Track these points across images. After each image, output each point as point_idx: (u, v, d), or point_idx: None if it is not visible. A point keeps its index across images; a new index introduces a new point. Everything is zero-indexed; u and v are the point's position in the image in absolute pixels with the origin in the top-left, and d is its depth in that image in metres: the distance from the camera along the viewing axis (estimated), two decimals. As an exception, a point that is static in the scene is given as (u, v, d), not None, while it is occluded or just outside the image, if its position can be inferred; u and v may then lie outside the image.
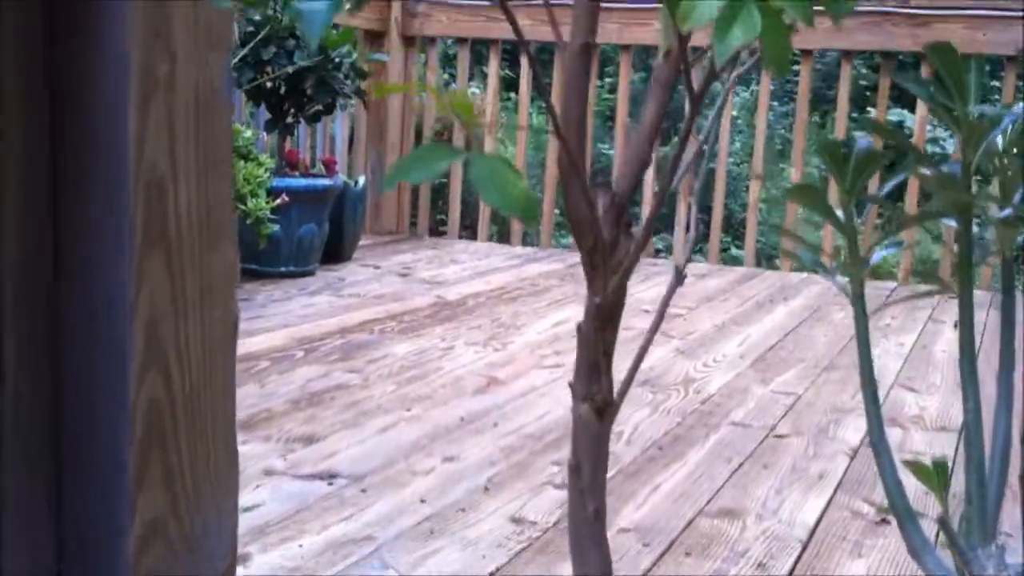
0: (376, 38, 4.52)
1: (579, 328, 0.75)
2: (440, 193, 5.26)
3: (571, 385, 0.76)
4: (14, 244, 0.62)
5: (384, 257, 4.06)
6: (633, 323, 2.25)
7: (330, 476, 1.75)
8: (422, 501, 1.68)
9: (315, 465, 1.80)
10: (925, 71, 4.05)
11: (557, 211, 4.83)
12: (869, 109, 7.77)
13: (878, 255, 0.78)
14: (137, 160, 0.65)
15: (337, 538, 1.51)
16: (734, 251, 6.44)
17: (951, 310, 3.27)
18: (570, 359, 2.51)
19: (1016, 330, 0.81)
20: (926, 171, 0.72)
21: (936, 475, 0.78)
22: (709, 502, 1.74)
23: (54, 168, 0.65)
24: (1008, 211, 0.72)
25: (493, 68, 4.55)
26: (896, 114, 7.85)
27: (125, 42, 0.65)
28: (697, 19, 0.50)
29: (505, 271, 3.91)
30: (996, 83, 4.65)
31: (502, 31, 4.38)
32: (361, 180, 3.93)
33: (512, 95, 6.28)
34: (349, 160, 4.51)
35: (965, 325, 0.70)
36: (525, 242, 4.64)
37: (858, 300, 0.75)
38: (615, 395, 0.75)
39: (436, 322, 2.98)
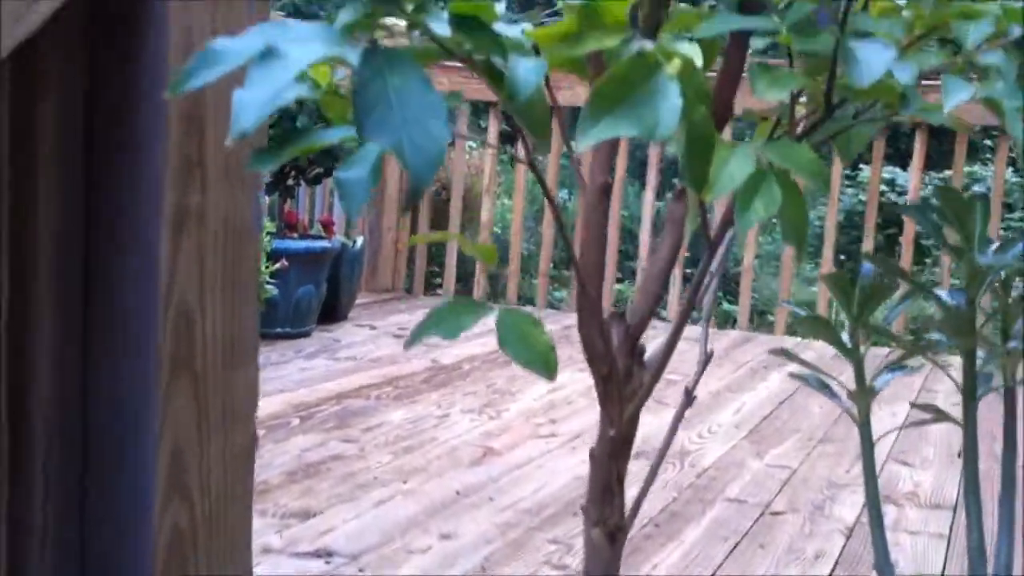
0: (375, 98, 4.56)
1: (592, 454, 0.77)
2: (438, 250, 5.28)
3: (584, 508, 0.78)
4: (46, 378, 0.64)
5: (380, 316, 4.07)
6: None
7: (327, 554, 1.75)
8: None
9: (311, 543, 1.80)
10: (919, 139, 4.12)
11: (552, 264, 4.86)
12: (862, 167, 7.86)
13: (882, 380, 0.80)
14: (167, 292, 0.67)
15: (336, 622, 1.51)
16: (727, 306, 6.47)
17: (943, 378, 3.28)
18: (565, 428, 2.54)
19: (1018, 453, 0.83)
20: (932, 304, 0.74)
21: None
22: (707, 585, 1.74)
23: (86, 297, 0.67)
24: (1014, 343, 0.74)
25: (493, 131, 4.60)
26: (888, 171, 7.93)
27: (159, 169, 0.67)
28: (719, 191, 0.53)
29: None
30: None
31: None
32: (359, 240, 3.95)
33: (508, 148, 6.34)
34: (347, 220, 4.54)
35: (969, 458, 0.72)
36: (520, 299, 4.66)
37: (864, 427, 0.77)
38: (626, 519, 0.76)
39: (431, 387, 2.99)
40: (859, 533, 1.99)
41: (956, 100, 0.59)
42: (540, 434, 2.58)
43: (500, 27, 0.47)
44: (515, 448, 2.45)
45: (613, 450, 0.74)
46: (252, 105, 0.45)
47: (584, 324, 0.72)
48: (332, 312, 3.76)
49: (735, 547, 1.92)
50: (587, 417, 2.72)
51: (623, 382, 0.73)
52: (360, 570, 1.70)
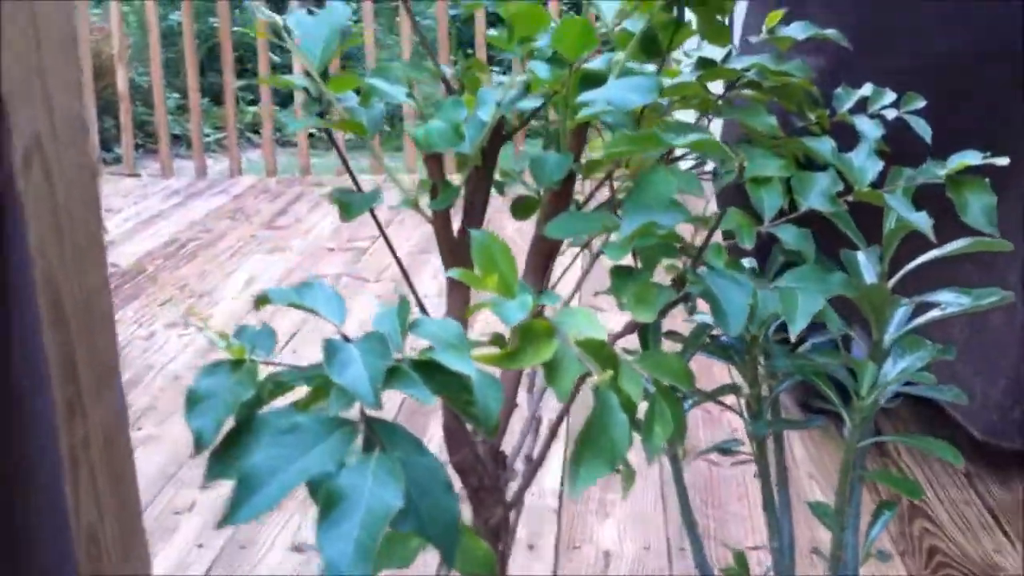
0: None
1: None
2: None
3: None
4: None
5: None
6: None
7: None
8: (199, 546, 1.73)
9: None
10: None
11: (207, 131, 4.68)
12: None
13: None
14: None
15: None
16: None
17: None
18: (278, 329, 2.54)
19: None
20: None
21: None
22: None
23: None
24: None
25: None
26: None
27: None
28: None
29: (170, 216, 3.79)
30: None
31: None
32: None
33: None
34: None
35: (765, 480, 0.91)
36: (177, 170, 4.48)
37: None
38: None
39: (123, 300, 2.89)
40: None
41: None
42: (254, 341, 2.61)
43: (456, 363, 0.55)
44: (235, 363, 2.48)
45: (491, 544, 0.86)
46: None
47: (454, 450, 0.82)
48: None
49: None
50: (291, 314, 2.78)
51: (492, 490, 0.84)
52: (134, 547, 1.72)
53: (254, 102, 8.67)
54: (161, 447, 2.07)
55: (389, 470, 0.52)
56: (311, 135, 5.38)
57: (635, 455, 0.64)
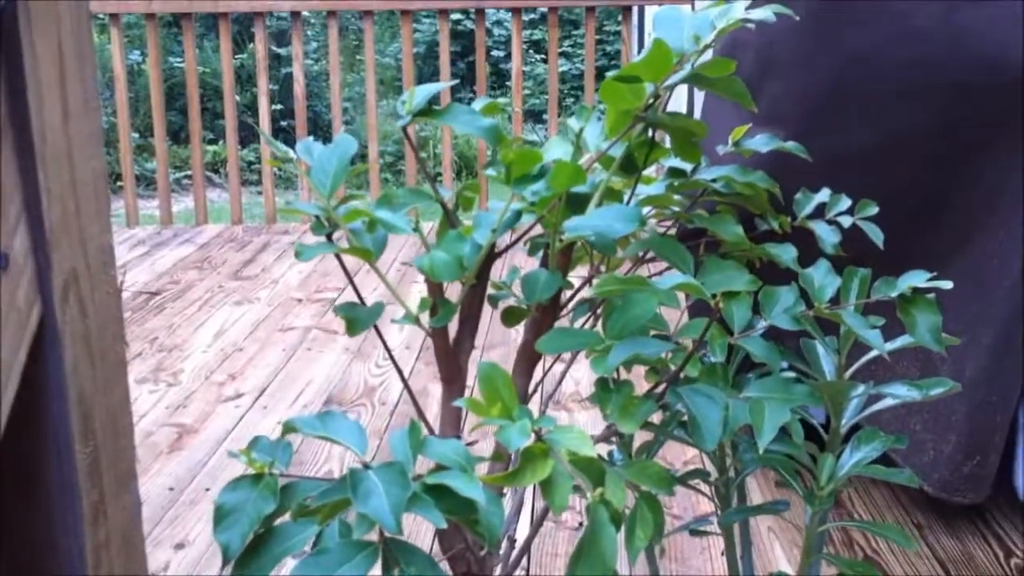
0: None
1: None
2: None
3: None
4: None
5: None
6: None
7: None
8: (177, 608, 1.77)
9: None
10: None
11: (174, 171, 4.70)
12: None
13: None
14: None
15: None
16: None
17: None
18: (248, 385, 2.60)
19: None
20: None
21: None
22: None
23: None
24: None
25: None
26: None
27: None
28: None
29: (137, 265, 3.82)
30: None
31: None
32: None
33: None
34: None
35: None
36: (140, 220, 4.50)
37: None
38: None
39: (92, 354, 2.91)
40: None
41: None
42: (225, 396, 2.65)
43: (467, 490, 0.62)
44: (207, 420, 2.52)
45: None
46: None
47: (447, 546, 0.88)
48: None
49: None
50: (261, 368, 2.82)
51: (477, 574, 0.90)
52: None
53: (213, 141, 8.72)
54: (137, 507, 2.10)
55: (409, 589, 0.58)
56: (276, 175, 5.41)
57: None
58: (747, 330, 0.83)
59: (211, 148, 8.43)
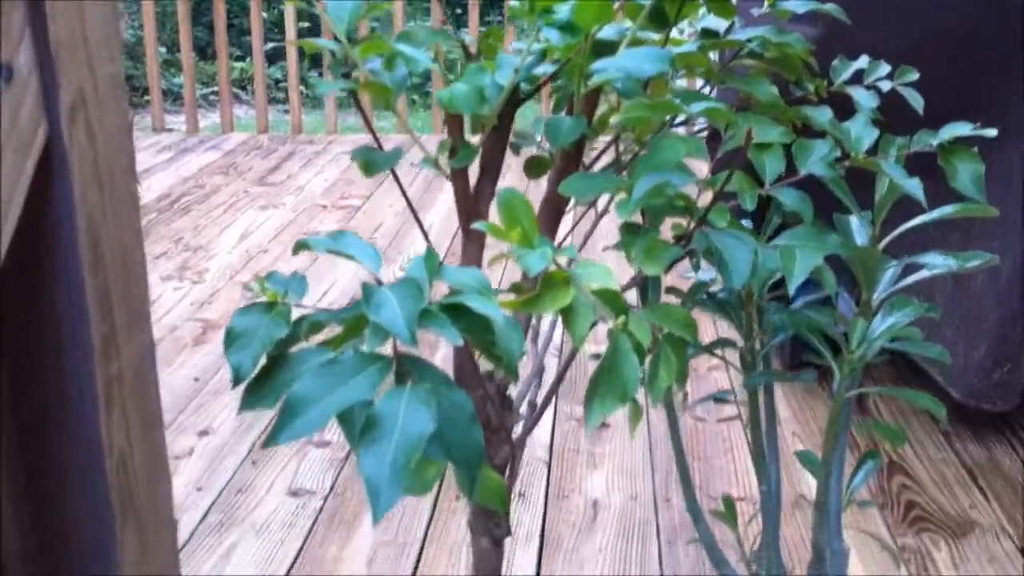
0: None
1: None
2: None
3: (469, 523, 0.95)
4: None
5: None
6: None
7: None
8: (199, 489, 1.78)
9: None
10: None
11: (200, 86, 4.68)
12: None
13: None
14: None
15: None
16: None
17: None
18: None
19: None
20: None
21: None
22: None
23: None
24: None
25: None
26: None
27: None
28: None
29: (163, 170, 3.81)
30: None
31: None
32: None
33: None
34: None
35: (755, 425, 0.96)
36: (167, 125, 4.49)
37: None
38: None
39: (118, 253, 2.92)
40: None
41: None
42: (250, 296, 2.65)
43: (483, 307, 0.59)
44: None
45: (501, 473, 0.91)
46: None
47: (465, 382, 0.86)
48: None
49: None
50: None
51: (499, 430, 0.89)
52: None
53: (240, 58, 8.65)
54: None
55: (421, 400, 0.56)
56: (303, 94, 5.37)
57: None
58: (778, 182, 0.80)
59: (238, 65, 8.37)
